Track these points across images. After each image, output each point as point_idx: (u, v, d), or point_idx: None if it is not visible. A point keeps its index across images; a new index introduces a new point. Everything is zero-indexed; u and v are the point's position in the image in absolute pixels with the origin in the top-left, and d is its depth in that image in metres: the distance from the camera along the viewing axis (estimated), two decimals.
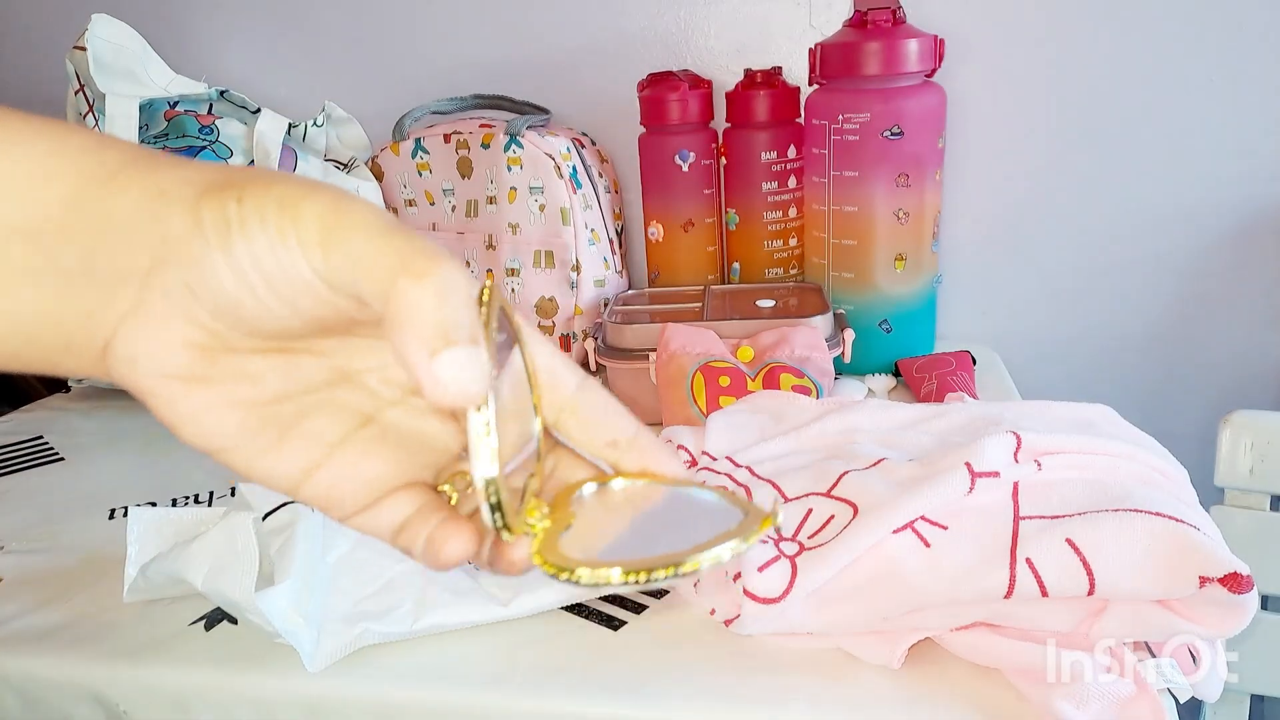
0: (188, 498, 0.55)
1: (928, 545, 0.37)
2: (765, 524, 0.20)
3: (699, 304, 0.71)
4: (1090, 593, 0.34)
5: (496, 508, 0.20)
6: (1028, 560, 0.35)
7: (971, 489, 0.39)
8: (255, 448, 0.22)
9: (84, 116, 0.60)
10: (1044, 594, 0.34)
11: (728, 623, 0.39)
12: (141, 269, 0.21)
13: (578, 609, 0.41)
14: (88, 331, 0.21)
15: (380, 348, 0.25)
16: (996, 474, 0.40)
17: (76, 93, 0.59)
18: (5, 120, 0.21)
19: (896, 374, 0.71)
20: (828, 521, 0.40)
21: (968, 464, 0.40)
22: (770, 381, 0.57)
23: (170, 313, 0.21)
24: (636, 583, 0.19)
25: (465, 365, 0.18)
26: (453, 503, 0.24)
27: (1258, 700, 0.60)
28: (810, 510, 0.41)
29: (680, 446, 0.49)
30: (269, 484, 0.23)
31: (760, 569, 0.37)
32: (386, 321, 0.19)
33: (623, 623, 0.40)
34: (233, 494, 0.55)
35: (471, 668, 0.38)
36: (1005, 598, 0.35)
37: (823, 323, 0.63)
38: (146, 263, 0.20)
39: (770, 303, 0.69)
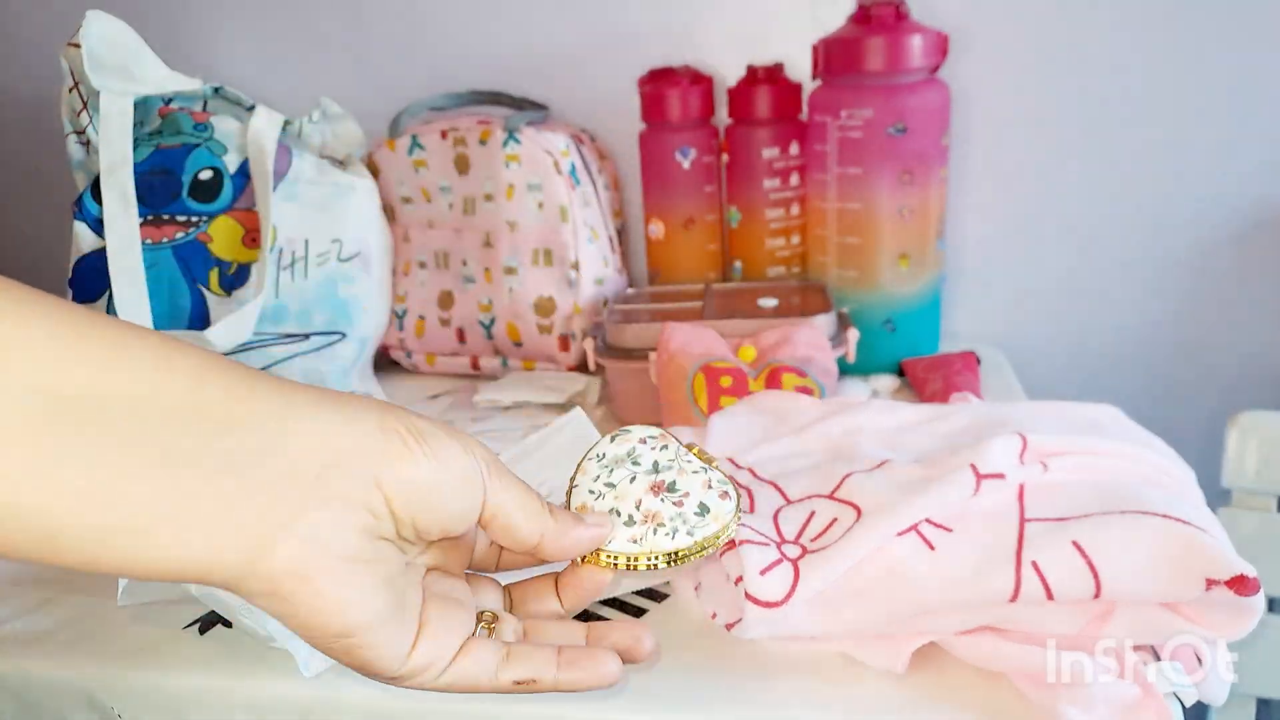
0: None
1: (932, 548, 0.37)
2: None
3: (700, 303, 0.70)
4: (1096, 596, 0.34)
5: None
6: (1033, 563, 0.35)
7: (977, 491, 0.39)
8: (394, 621, 0.25)
9: (78, 114, 0.59)
10: (1050, 597, 0.34)
11: (729, 627, 0.38)
12: (310, 471, 0.23)
13: (576, 614, 0.41)
14: (229, 521, 0.22)
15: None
16: (1002, 476, 0.39)
17: (70, 90, 0.59)
18: (121, 328, 0.22)
19: (901, 374, 0.71)
20: (831, 524, 0.40)
21: (973, 465, 0.39)
22: (772, 382, 0.56)
23: (350, 502, 0.24)
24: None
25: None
26: (490, 635, 0.29)
27: (1263, 704, 0.60)
28: (813, 513, 0.41)
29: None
30: (388, 664, 0.26)
31: (762, 572, 0.37)
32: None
33: None
34: None
35: None
36: (1010, 601, 0.35)
37: (826, 322, 0.63)
38: (317, 465, 0.23)
39: (772, 302, 0.69)
